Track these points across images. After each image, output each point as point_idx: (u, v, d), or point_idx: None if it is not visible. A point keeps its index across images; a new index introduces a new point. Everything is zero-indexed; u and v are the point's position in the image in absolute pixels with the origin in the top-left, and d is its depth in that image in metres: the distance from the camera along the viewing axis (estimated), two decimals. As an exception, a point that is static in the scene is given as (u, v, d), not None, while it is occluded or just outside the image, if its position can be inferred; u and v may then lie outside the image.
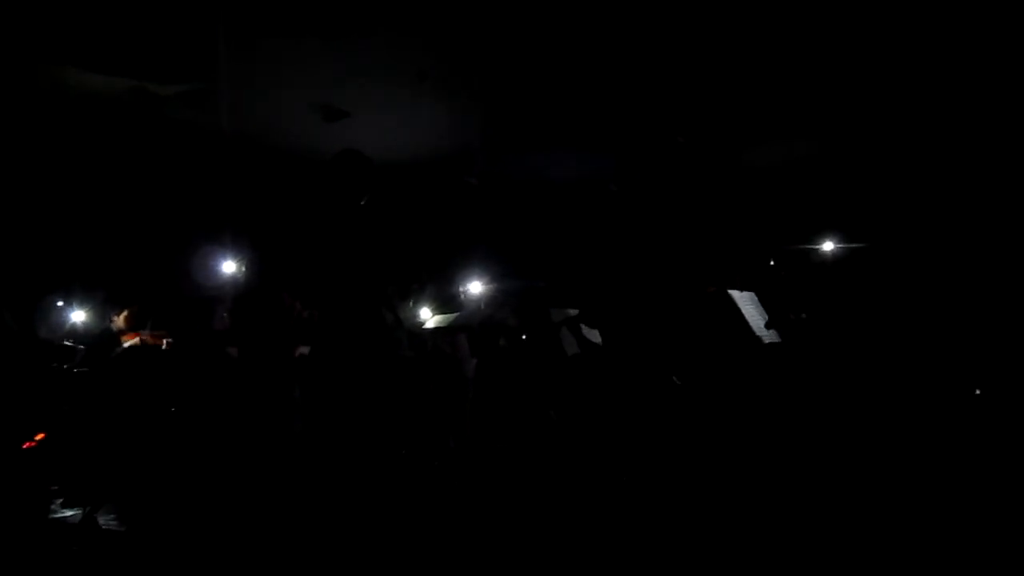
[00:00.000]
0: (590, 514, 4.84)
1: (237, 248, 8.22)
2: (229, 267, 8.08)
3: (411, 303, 7.02)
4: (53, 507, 5.34)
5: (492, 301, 7.68)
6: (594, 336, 6.69)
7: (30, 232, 8.25)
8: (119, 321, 6.55)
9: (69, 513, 5.24)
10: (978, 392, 5.97)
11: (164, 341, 6.35)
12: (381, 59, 6.96)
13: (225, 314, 6.82)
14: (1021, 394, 5.81)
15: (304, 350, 6.42)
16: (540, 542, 4.45)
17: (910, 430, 5.56)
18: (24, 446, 5.31)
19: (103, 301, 7.08)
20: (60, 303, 7.54)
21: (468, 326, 6.95)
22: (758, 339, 5.52)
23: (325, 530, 4.76)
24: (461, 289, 7.93)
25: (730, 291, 5.65)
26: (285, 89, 7.44)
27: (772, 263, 7.23)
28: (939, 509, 4.45)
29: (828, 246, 8.27)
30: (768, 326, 5.63)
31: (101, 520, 5.03)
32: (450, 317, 7.05)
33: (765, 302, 5.91)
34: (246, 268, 7.89)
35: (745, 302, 5.67)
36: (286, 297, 6.66)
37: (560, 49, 6.87)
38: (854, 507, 4.54)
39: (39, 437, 5.42)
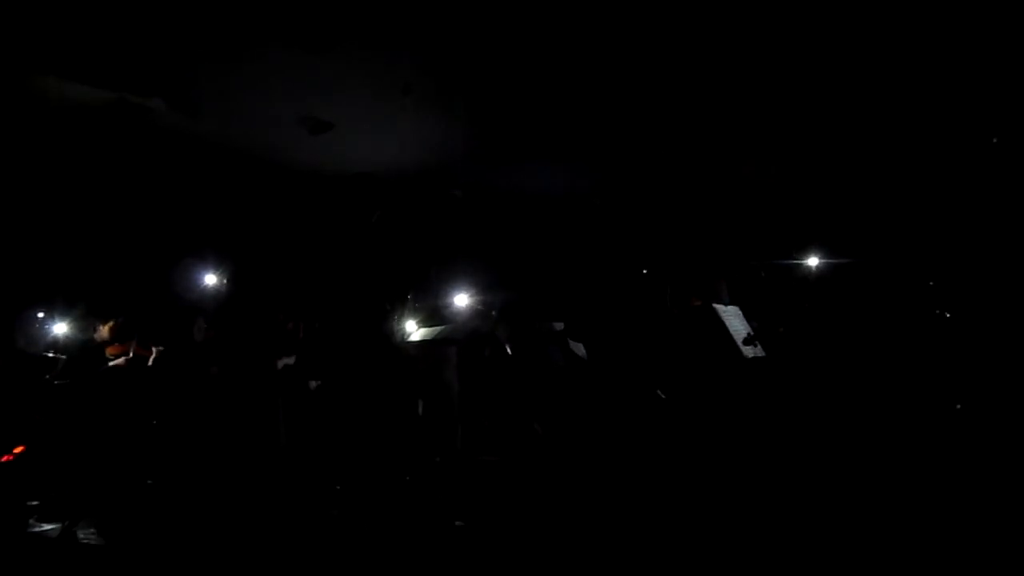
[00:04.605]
0: (576, 525, 4.83)
1: (221, 259, 8.18)
2: (212, 279, 8.04)
3: (398, 316, 7.02)
4: (31, 521, 5.27)
5: (477, 313, 7.67)
6: (579, 349, 6.70)
7: (11, 241, 8.18)
8: (104, 332, 6.51)
9: (48, 527, 5.18)
10: (959, 407, 6.02)
11: (152, 353, 6.31)
12: (366, 72, 6.97)
13: (206, 325, 6.78)
14: (1002, 408, 5.86)
15: (288, 361, 6.42)
16: (526, 552, 4.44)
17: (893, 443, 5.59)
18: (2, 459, 5.25)
19: (86, 312, 7.02)
20: (41, 314, 7.47)
21: (454, 339, 6.94)
22: (742, 353, 5.54)
23: (309, 542, 4.73)
24: (447, 301, 7.91)
25: (715, 305, 5.68)
26: (270, 101, 7.43)
27: (762, 275, 7.27)
28: (919, 520, 4.48)
29: (813, 260, 8.32)
30: (752, 340, 5.65)
31: (80, 534, 4.97)
32: (436, 330, 7.04)
33: (750, 316, 5.94)
34: (230, 279, 7.85)
35: (730, 316, 5.69)
36: (271, 309, 6.65)
37: (545, 62, 6.90)
38: (836, 519, 4.56)
39: (18, 450, 5.35)
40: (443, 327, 7.09)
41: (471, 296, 7.95)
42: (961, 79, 7.07)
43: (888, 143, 8.28)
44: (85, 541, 4.91)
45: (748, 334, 5.66)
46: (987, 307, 6.82)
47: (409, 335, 7.06)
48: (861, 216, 8.94)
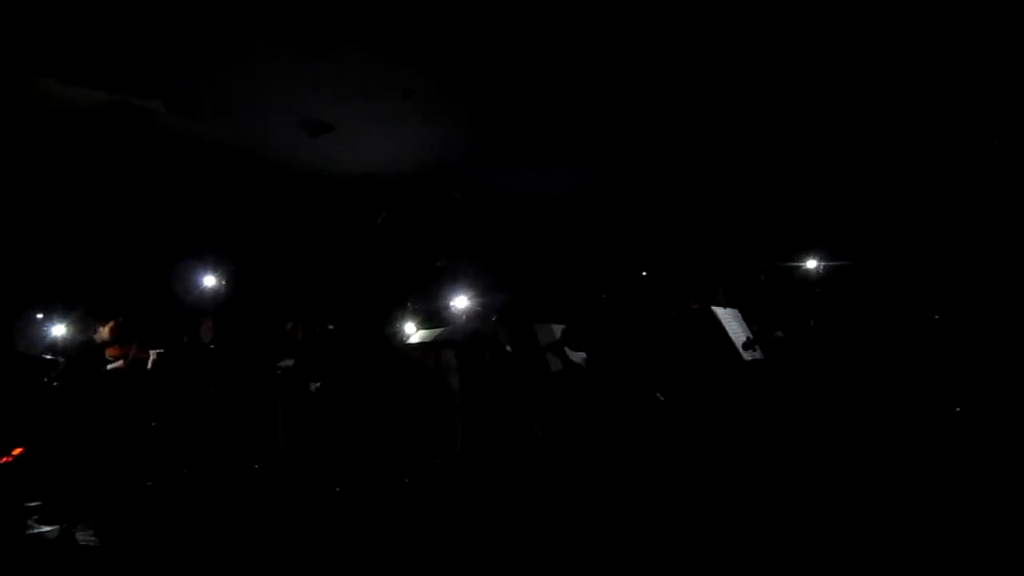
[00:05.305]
0: (576, 527, 4.83)
1: (221, 261, 8.19)
2: (211, 280, 8.04)
3: (398, 318, 7.03)
4: (30, 523, 5.27)
5: (477, 315, 7.67)
6: (577, 357, 6.69)
7: (11, 242, 8.18)
8: (104, 333, 6.50)
9: (46, 529, 5.17)
10: (958, 410, 6.01)
11: (151, 355, 6.32)
12: (367, 75, 6.98)
13: (210, 324, 6.78)
14: (1001, 411, 5.86)
15: (287, 362, 6.42)
16: (527, 554, 4.44)
17: (892, 446, 5.59)
18: (1, 461, 5.25)
19: (85, 313, 7.03)
20: (40, 315, 7.48)
21: (454, 341, 6.94)
22: (741, 356, 5.54)
23: (309, 544, 4.73)
24: (447, 303, 7.91)
25: (713, 308, 5.68)
26: (270, 103, 7.44)
27: (761, 278, 7.27)
28: (918, 523, 4.48)
29: (811, 263, 8.32)
30: (752, 343, 5.65)
31: (79, 536, 4.97)
32: (435, 332, 7.03)
33: (749, 319, 5.94)
34: (229, 281, 7.85)
35: (728, 319, 5.70)
36: (270, 311, 6.66)
37: (546, 66, 6.91)
38: (835, 521, 4.56)
39: (17, 452, 5.35)
40: (443, 329, 7.09)
41: (471, 298, 7.95)
42: (962, 81, 7.08)
43: (888, 145, 8.29)
44: (84, 543, 4.90)
45: (747, 337, 5.67)
46: (987, 310, 6.81)
47: (409, 337, 7.06)
48: (861, 218, 8.94)
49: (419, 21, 6.21)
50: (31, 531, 5.16)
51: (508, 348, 6.96)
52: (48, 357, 6.31)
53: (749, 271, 7.33)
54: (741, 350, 5.58)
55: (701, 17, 6.19)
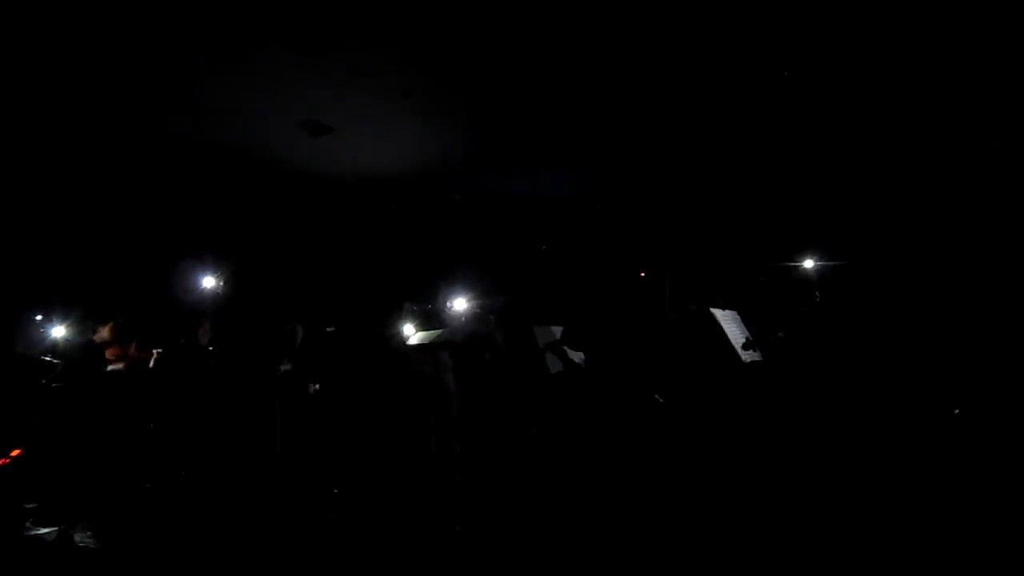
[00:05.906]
0: (575, 529, 4.83)
1: (220, 263, 8.20)
2: (211, 281, 8.05)
3: (397, 319, 7.02)
4: (28, 524, 5.27)
5: (476, 317, 7.66)
6: (576, 357, 6.70)
7: (10, 243, 8.19)
8: (104, 333, 6.50)
9: (44, 531, 5.18)
10: (957, 412, 6.00)
11: (152, 355, 6.31)
12: (367, 75, 6.98)
13: (208, 326, 6.77)
14: (1000, 412, 5.85)
15: (286, 364, 6.42)
16: (525, 557, 4.44)
17: (891, 447, 5.58)
18: (-1, 463, 5.26)
19: (85, 314, 7.03)
20: (40, 317, 7.48)
21: (452, 342, 6.93)
22: (740, 357, 5.54)
23: (307, 545, 4.73)
24: (445, 305, 7.91)
25: (712, 309, 5.68)
26: (270, 105, 7.44)
27: (760, 279, 7.26)
28: (917, 524, 4.47)
29: (810, 264, 8.32)
30: (750, 344, 5.65)
31: (77, 537, 4.97)
32: (433, 333, 7.03)
33: (747, 320, 5.94)
34: (228, 283, 7.85)
35: (727, 320, 5.69)
36: (269, 312, 6.66)
37: (545, 68, 6.91)
38: (833, 522, 4.56)
39: (14, 453, 5.35)
40: (441, 330, 7.08)
41: (470, 300, 7.95)
42: (961, 82, 7.07)
43: (887, 146, 8.28)
44: (82, 544, 4.91)
45: (746, 338, 5.67)
46: (986, 310, 6.81)
47: (408, 338, 7.06)
48: (861, 219, 8.94)
49: (419, 21, 6.21)
50: (29, 532, 5.17)
51: (506, 350, 6.95)
52: (47, 359, 6.31)
53: (748, 272, 7.33)
54: (740, 351, 5.58)
55: (700, 18, 6.19)
